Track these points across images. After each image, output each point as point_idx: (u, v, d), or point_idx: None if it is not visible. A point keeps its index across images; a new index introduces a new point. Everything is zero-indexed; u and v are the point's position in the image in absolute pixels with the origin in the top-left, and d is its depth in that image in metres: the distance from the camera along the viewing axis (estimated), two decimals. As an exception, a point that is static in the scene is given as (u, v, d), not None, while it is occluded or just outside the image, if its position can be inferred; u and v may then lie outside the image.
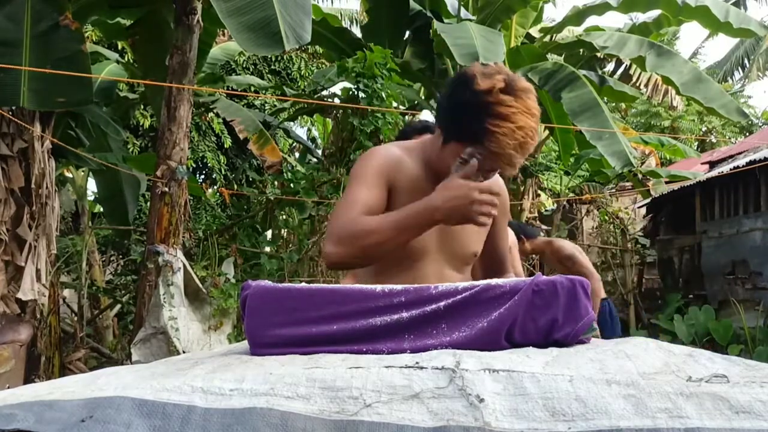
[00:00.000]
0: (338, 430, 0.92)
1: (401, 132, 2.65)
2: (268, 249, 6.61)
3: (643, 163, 11.09)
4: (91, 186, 9.27)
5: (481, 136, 1.45)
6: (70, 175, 8.39)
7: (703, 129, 18.71)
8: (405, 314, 1.22)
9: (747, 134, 17.05)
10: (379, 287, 1.26)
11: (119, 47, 9.81)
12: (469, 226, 1.55)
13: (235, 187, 11.72)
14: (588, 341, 1.29)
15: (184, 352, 4.82)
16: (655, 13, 8.56)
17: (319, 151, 11.29)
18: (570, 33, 9.89)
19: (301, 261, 6.25)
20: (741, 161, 9.20)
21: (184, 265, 5.31)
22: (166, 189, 5.49)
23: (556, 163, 11.57)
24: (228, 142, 11.73)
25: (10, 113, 4.91)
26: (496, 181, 1.72)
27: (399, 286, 1.26)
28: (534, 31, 9.96)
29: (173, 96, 5.52)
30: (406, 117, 7.60)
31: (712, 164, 11.69)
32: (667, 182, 11.13)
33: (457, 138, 1.52)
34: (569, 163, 9.67)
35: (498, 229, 1.80)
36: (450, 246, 1.65)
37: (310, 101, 8.20)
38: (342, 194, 1.68)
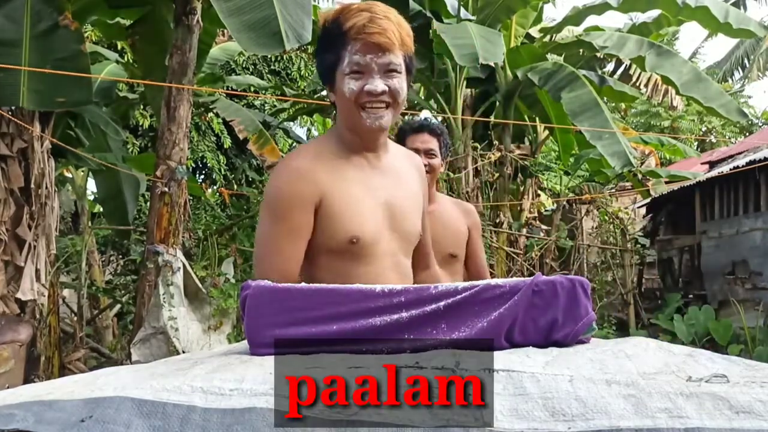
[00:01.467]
0: (338, 430, 0.92)
1: (399, 130, 2.62)
2: (267, 249, 6.59)
3: (642, 163, 11.09)
4: (91, 186, 9.26)
5: (342, 48, 1.46)
6: (70, 175, 8.39)
7: (703, 129, 18.72)
8: (405, 314, 1.22)
9: (747, 134, 17.06)
10: (378, 287, 1.26)
11: (119, 47, 9.81)
12: (411, 206, 1.59)
13: (235, 187, 11.73)
14: (588, 341, 1.29)
15: (183, 352, 4.82)
16: (654, 13, 8.56)
17: (319, 151, 11.27)
18: (570, 33, 9.89)
19: (300, 261, 6.24)
20: (741, 161, 9.21)
21: (184, 265, 5.31)
22: (166, 189, 5.49)
23: (555, 163, 11.58)
24: (228, 142, 11.73)
25: (10, 113, 4.91)
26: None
27: (399, 286, 1.26)
28: (534, 31, 9.96)
29: (173, 96, 5.52)
30: (406, 117, 7.59)
31: (712, 164, 11.69)
32: (666, 182, 11.13)
33: (331, 73, 1.51)
34: (569, 163, 9.68)
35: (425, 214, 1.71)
36: (400, 226, 1.57)
37: (310, 101, 8.20)
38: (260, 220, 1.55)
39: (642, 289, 10.97)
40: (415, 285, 1.27)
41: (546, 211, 10.32)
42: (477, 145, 8.29)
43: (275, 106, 11.53)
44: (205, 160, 11.96)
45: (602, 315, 9.00)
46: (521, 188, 9.07)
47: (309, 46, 11.96)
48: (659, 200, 11.41)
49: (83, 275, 7.15)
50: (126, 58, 8.67)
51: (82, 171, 8.26)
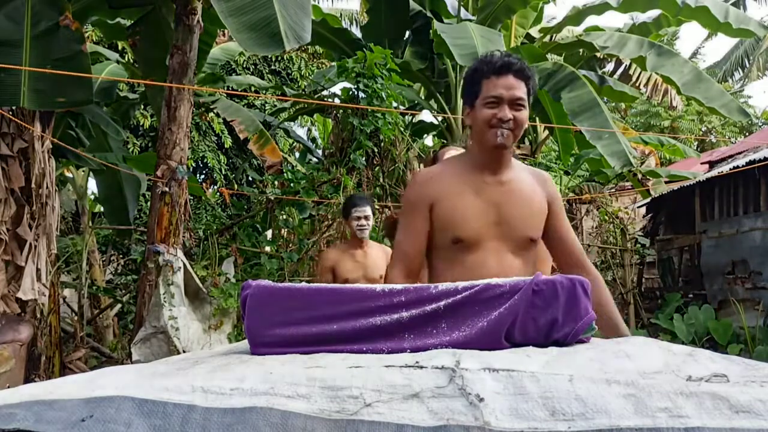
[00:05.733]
0: (338, 429, 0.92)
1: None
2: (268, 249, 6.60)
3: (642, 163, 11.08)
4: (91, 186, 9.28)
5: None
6: (71, 175, 8.39)
7: (703, 129, 18.72)
8: (405, 314, 1.22)
9: (747, 134, 17.06)
10: (379, 287, 1.26)
11: (119, 47, 9.81)
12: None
13: (236, 186, 11.73)
14: (588, 341, 1.29)
15: (184, 351, 4.82)
16: (654, 13, 8.56)
17: (319, 151, 11.29)
18: (570, 33, 9.89)
19: (301, 261, 6.25)
20: (741, 161, 9.19)
21: (185, 265, 5.31)
22: (167, 189, 5.49)
23: (556, 163, 11.57)
24: (228, 142, 11.74)
25: (11, 113, 4.90)
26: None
27: (399, 286, 1.26)
28: (534, 31, 9.96)
29: (173, 96, 5.52)
30: (406, 117, 7.59)
31: (712, 164, 11.68)
32: (666, 182, 11.12)
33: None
34: (569, 163, 9.67)
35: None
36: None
37: (310, 101, 8.20)
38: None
39: (642, 288, 10.95)
40: (416, 285, 1.27)
41: (546, 210, 10.29)
42: (477, 145, 8.28)
43: (275, 106, 11.53)
44: (205, 160, 11.96)
45: (602, 315, 8.96)
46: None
47: (309, 47, 11.98)
48: (659, 200, 11.40)
49: (84, 275, 7.15)
50: (126, 58, 8.67)
51: (83, 171, 8.26)
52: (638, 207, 12.08)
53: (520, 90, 1.82)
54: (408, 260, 1.89)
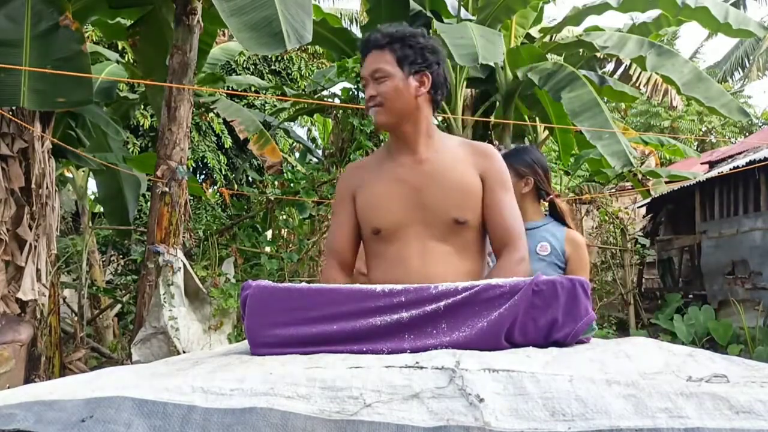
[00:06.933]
0: (338, 429, 0.92)
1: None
2: (268, 249, 6.60)
3: (642, 163, 11.08)
4: (92, 186, 9.27)
5: None
6: (71, 175, 8.39)
7: (703, 129, 18.73)
8: (405, 314, 1.22)
9: (747, 134, 17.07)
10: (379, 287, 1.26)
11: (119, 47, 9.81)
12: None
13: (236, 187, 11.73)
14: (588, 341, 1.29)
15: (184, 351, 4.82)
16: (654, 13, 8.56)
17: (319, 151, 11.30)
18: (570, 33, 9.89)
19: (301, 261, 6.25)
20: (741, 161, 9.20)
21: (185, 265, 5.31)
22: (167, 189, 5.49)
23: (556, 163, 11.57)
24: (228, 142, 11.74)
25: (10, 113, 4.90)
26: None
27: (399, 286, 1.26)
28: (534, 31, 9.96)
29: (173, 96, 5.52)
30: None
31: (712, 164, 11.69)
32: (666, 182, 11.13)
33: None
34: (569, 163, 9.67)
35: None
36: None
37: (310, 101, 8.21)
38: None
39: (642, 289, 10.96)
40: (416, 285, 1.27)
41: (546, 211, 10.30)
42: (477, 145, 8.28)
43: (275, 106, 11.53)
44: (205, 160, 11.97)
45: (602, 315, 9.00)
46: (521, 188, 9.05)
47: (309, 47, 11.99)
48: (659, 200, 11.41)
49: (84, 275, 7.15)
50: (126, 58, 8.67)
51: (83, 171, 8.26)
52: (638, 207, 12.09)
53: (380, 61, 1.74)
54: (336, 255, 1.81)
